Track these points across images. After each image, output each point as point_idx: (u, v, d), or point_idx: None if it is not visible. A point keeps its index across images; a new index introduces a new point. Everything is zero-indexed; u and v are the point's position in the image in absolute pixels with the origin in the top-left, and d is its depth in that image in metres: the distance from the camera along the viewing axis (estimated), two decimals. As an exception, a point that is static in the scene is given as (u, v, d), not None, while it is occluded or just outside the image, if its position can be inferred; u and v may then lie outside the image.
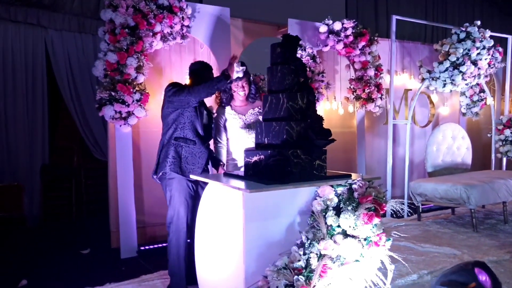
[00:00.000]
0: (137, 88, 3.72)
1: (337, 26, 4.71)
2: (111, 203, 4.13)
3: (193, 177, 2.79)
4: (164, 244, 4.06)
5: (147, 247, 4.01)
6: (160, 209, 4.18)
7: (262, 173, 2.32)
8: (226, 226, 2.36)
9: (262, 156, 2.34)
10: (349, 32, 4.77)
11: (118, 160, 3.87)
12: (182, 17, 3.92)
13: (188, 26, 4.06)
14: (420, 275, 3.24)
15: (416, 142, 6.13)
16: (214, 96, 3.41)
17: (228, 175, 2.64)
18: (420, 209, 4.98)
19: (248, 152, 2.47)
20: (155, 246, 4.03)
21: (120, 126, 3.73)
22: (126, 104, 3.62)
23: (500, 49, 5.73)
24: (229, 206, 2.34)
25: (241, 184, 2.29)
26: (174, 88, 2.89)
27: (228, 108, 3.32)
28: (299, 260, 2.20)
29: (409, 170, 5.38)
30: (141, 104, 3.74)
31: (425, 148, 5.23)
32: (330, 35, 4.75)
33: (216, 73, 4.26)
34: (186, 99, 2.83)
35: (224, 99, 3.32)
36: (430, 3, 8.49)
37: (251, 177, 2.41)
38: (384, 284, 2.29)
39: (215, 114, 3.33)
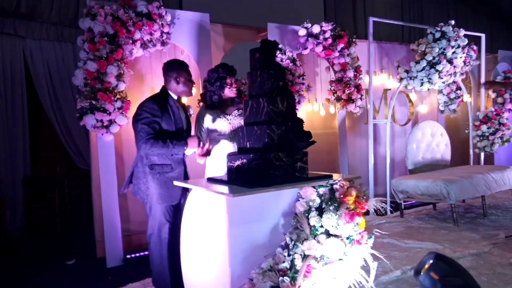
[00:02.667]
0: (118, 96, 3.72)
1: (316, 29, 4.78)
2: (95, 212, 4.11)
3: (176, 183, 2.80)
4: (141, 254, 4.04)
5: (133, 255, 3.99)
6: (146, 217, 4.17)
7: (245, 177, 2.36)
8: (211, 230, 2.38)
9: (244, 160, 2.37)
10: (327, 34, 4.85)
11: (101, 169, 3.86)
12: (162, 24, 3.94)
13: (168, 33, 4.08)
14: (403, 271, 3.31)
15: (396, 141, 6.24)
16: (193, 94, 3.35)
17: (212, 180, 2.66)
18: (403, 206, 5.08)
19: (230, 156, 2.51)
20: (141, 254, 4.01)
21: (102, 134, 3.72)
22: (108, 112, 3.61)
23: (475, 47, 5.88)
24: (213, 211, 2.36)
25: (224, 188, 2.32)
26: (144, 126, 2.77)
27: (213, 112, 3.28)
28: (283, 262, 2.24)
29: (390, 168, 5.49)
30: (123, 112, 3.74)
31: (405, 146, 5.34)
32: (309, 38, 4.82)
33: (195, 77, 4.30)
34: (138, 148, 2.79)
35: (213, 101, 3.26)
36: (406, 4, 8.67)
37: (234, 181, 2.44)
38: (367, 281, 2.34)
39: (192, 113, 3.27)
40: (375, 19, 5.15)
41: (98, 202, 4.01)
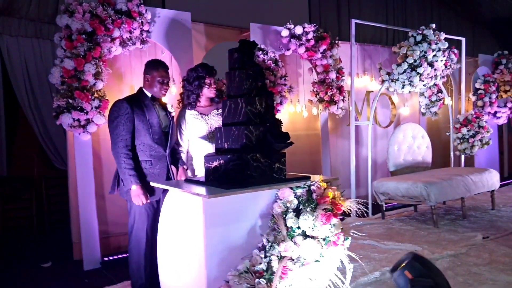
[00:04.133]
0: (95, 95, 3.64)
1: (299, 30, 4.78)
2: (72, 213, 4.02)
3: (153, 184, 2.76)
4: (121, 256, 3.97)
5: (111, 258, 3.92)
6: (124, 218, 4.07)
7: (223, 178, 2.32)
8: (187, 232, 2.34)
9: (222, 161, 2.34)
10: (310, 36, 4.85)
11: (78, 169, 3.78)
12: (142, 22, 3.88)
13: (148, 31, 4.02)
14: (382, 272, 3.31)
15: (378, 143, 6.28)
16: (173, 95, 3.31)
17: (189, 181, 2.62)
18: (384, 207, 5.11)
19: (208, 157, 2.47)
20: (119, 256, 3.94)
21: (79, 134, 3.64)
22: (85, 111, 3.54)
23: (456, 51, 5.97)
24: (190, 212, 2.33)
25: (201, 189, 2.29)
26: (115, 126, 2.83)
27: (193, 111, 3.25)
28: (260, 263, 2.21)
29: (372, 170, 5.51)
30: (101, 111, 3.67)
31: (387, 148, 5.37)
32: (292, 39, 4.81)
33: (176, 76, 4.25)
34: (111, 149, 2.85)
35: (191, 100, 3.24)
36: (391, 7, 8.73)
37: (212, 182, 2.41)
38: (343, 283, 2.33)
39: (174, 114, 3.23)
40: (358, 21, 5.17)
41: (75, 203, 3.93)
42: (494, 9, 8.67)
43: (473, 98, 6.81)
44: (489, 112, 6.78)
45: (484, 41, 9.40)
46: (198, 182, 2.52)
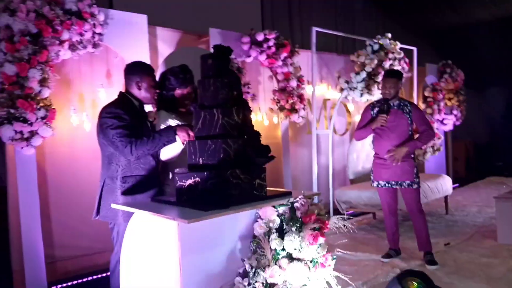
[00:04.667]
0: (41, 104, 3.24)
1: (260, 37, 4.64)
2: (13, 236, 3.54)
3: (114, 206, 2.44)
4: (80, 281, 3.61)
5: (58, 286, 3.51)
6: (73, 240, 3.71)
7: (199, 198, 2.09)
8: (158, 261, 2.08)
9: (198, 179, 2.11)
10: (271, 43, 4.73)
11: (20, 187, 3.34)
12: (94, 24, 3.53)
13: (100, 34, 3.67)
14: (355, 286, 3.22)
15: (335, 150, 6.28)
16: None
17: (158, 201, 2.36)
18: (346, 216, 5.08)
19: (180, 175, 2.22)
20: (69, 283, 3.54)
21: (22, 148, 3.22)
22: (29, 122, 3.13)
23: (407, 60, 6.13)
24: (161, 238, 2.07)
25: (175, 212, 2.04)
26: (119, 131, 2.45)
27: (173, 115, 2.88)
28: (244, 292, 2.00)
29: (332, 178, 5.47)
30: (47, 122, 3.26)
31: (347, 156, 5.37)
32: (252, 46, 4.66)
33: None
34: (127, 155, 2.47)
35: (169, 103, 2.89)
36: (340, 16, 8.88)
37: (186, 202, 2.16)
38: (332, 306, 2.18)
39: (154, 119, 2.89)
40: (318, 29, 5.14)
41: (15, 224, 3.46)
42: (434, 22, 9.12)
43: (423, 106, 7.05)
44: (438, 119, 7.05)
45: (428, 52, 9.85)
46: (169, 203, 2.26)
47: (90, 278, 3.65)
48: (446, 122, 7.23)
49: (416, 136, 3.86)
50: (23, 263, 3.37)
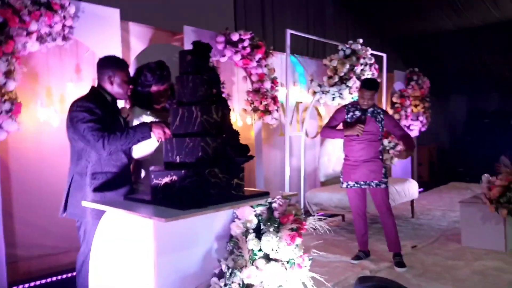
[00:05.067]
0: (6, 97, 3.08)
1: (235, 37, 4.61)
2: (-29, 236, 3.36)
3: (85, 204, 2.34)
4: (43, 281, 3.46)
5: (20, 286, 3.34)
6: (37, 239, 3.55)
7: (176, 196, 2.04)
8: (130, 261, 2.01)
9: (174, 177, 2.06)
10: (246, 43, 4.71)
11: (-20, 184, 3.17)
12: (64, 16, 3.40)
13: (70, 27, 3.53)
14: (330, 287, 3.24)
15: (307, 153, 6.33)
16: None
17: (131, 199, 2.28)
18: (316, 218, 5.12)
19: (156, 173, 2.16)
20: (31, 284, 3.38)
21: (-16, 142, 3.05)
22: (-8, 115, 2.97)
23: (376, 66, 6.27)
24: (135, 237, 2.00)
25: (150, 211, 1.98)
26: (90, 124, 2.36)
27: (147, 111, 2.77)
28: (220, 293, 1.97)
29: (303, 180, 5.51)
30: (12, 116, 3.11)
31: (318, 159, 5.43)
32: (227, 46, 4.63)
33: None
34: (99, 150, 2.38)
35: (144, 99, 2.78)
36: (311, 20, 8.99)
37: (161, 201, 2.10)
38: (308, 307, 2.18)
39: (128, 115, 2.78)
40: (293, 31, 5.17)
41: (-26, 223, 3.28)
42: (402, 29, 9.39)
43: (391, 111, 7.23)
44: (405, 125, 7.25)
45: (394, 59, 10.13)
46: (143, 201, 2.19)
47: (54, 278, 3.51)
48: (412, 128, 7.45)
49: (391, 139, 3.96)
50: (-19, 264, 3.19)
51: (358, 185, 3.84)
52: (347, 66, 5.27)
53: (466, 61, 9.49)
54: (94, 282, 2.23)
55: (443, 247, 4.35)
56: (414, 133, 7.61)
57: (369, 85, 3.79)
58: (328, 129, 3.97)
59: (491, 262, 3.78)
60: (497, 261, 3.79)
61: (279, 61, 5.51)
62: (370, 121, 3.81)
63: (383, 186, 3.81)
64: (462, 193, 7.38)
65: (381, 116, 3.85)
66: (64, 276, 3.51)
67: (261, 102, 4.97)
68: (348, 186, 3.89)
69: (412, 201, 5.66)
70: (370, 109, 3.84)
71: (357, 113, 3.83)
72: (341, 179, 3.96)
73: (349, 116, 3.87)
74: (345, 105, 4.02)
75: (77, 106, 2.44)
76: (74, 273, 2.67)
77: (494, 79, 9.71)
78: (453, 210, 6.04)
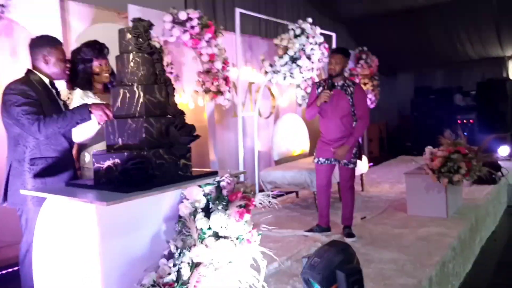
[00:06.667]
0: None
1: (183, 16, 4.51)
2: None
3: (23, 192, 2.24)
4: (10, 270, 3.32)
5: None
6: (5, 225, 3.38)
7: (119, 179, 1.99)
8: (75, 248, 1.95)
9: (117, 160, 2.00)
10: (194, 23, 4.61)
11: None
12: (-6, -6, 3.18)
13: (3, 6, 3.32)
14: (280, 261, 3.32)
15: (261, 133, 6.38)
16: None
17: (73, 185, 2.21)
18: (271, 196, 5.20)
19: (98, 156, 2.10)
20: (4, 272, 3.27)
21: None
22: None
23: (326, 45, 6.36)
24: (78, 224, 1.94)
25: (92, 195, 1.92)
26: (25, 108, 2.26)
27: (89, 93, 2.68)
28: (169, 273, 1.96)
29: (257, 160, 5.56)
30: None
31: (271, 138, 5.48)
32: (175, 25, 4.51)
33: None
34: (34, 133, 2.28)
35: (84, 81, 2.68)
36: (263, 1, 8.95)
37: (104, 185, 2.05)
38: (258, 281, 2.22)
39: (68, 98, 2.66)
40: (242, 10, 5.11)
41: None
42: (350, 10, 9.55)
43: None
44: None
45: (344, 38, 10.31)
46: (85, 186, 2.13)
47: (-1, 273, 3.37)
48: (362, 105, 7.65)
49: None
50: None
51: (329, 162, 3.93)
52: (297, 45, 5.30)
53: (413, 40, 9.82)
54: (38, 272, 2.15)
55: (390, 217, 4.56)
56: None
57: (336, 50, 3.91)
58: (307, 109, 3.98)
59: (434, 228, 4.01)
60: (439, 227, 4.02)
61: (230, 41, 5.46)
62: (340, 95, 3.78)
63: (351, 166, 3.91)
64: (409, 166, 7.67)
65: (351, 88, 3.80)
66: (10, 270, 3.38)
67: (212, 83, 4.92)
68: (319, 162, 3.96)
69: (361, 175, 5.87)
70: (340, 82, 3.81)
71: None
72: (314, 154, 4.05)
73: (319, 90, 3.86)
74: (316, 82, 4.09)
75: (10, 89, 2.31)
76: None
77: (439, 57, 10.14)
78: (401, 182, 6.29)
